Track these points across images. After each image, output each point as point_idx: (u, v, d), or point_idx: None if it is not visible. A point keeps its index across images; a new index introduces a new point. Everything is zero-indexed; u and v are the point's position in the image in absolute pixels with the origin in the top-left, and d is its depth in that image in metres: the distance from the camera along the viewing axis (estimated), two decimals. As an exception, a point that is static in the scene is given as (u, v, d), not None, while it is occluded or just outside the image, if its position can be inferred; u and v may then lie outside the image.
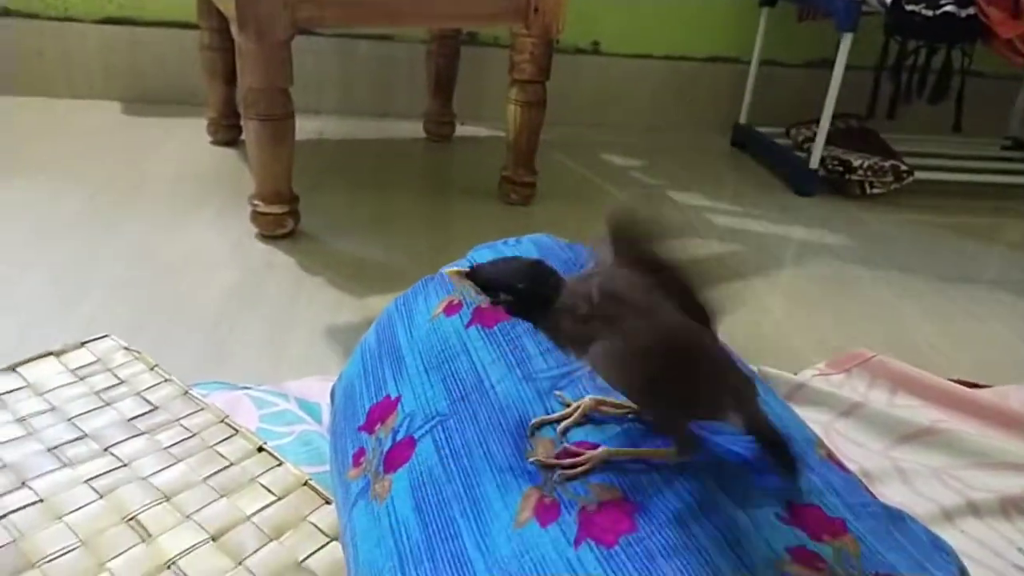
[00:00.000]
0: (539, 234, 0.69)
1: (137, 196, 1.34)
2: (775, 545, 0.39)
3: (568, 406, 0.48)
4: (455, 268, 0.46)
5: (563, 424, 0.47)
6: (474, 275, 0.45)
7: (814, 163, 1.64)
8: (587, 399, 0.48)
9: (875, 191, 1.64)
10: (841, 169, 1.64)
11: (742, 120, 1.94)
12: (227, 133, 1.61)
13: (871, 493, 0.48)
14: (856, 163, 1.63)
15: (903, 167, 1.64)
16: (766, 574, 0.38)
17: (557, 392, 0.50)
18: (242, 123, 1.35)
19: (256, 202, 1.19)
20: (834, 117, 1.62)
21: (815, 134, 1.63)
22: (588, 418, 0.47)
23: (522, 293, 0.44)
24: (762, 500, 0.42)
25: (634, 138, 1.96)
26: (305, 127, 1.60)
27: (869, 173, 1.63)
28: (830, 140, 1.65)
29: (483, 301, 0.46)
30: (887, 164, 1.64)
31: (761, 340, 1.06)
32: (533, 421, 0.48)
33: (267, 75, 1.10)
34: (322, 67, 1.86)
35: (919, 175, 1.65)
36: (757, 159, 1.88)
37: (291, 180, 1.19)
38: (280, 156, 1.16)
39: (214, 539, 0.57)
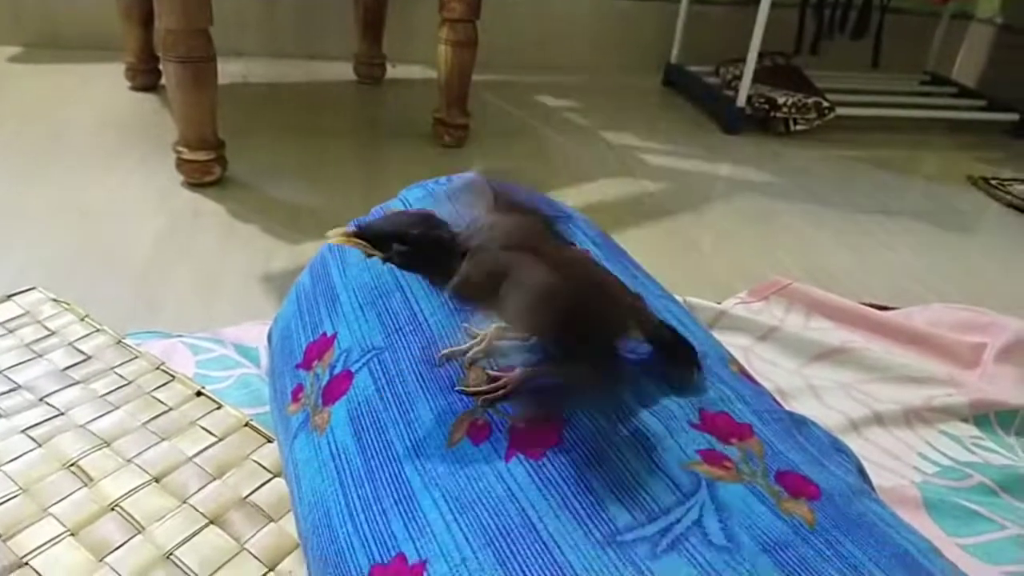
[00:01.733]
0: (470, 173, 0.71)
1: (56, 146, 1.29)
2: (687, 449, 0.43)
3: (475, 337, 0.51)
4: (338, 231, 0.43)
5: (469, 354, 0.49)
6: (362, 232, 0.43)
7: (741, 101, 1.67)
8: (492, 328, 0.50)
9: (799, 127, 1.70)
10: (767, 107, 1.68)
11: (673, 59, 1.96)
12: (146, 78, 1.55)
13: (778, 402, 0.52)
14: (781, 100, 1.67)
15: (825, 104, 1.70)
16: (678, 474, 0.41)
17: (465, 325, 0.52)
18: (161, 67, 1.30)
19: (180, 149, 1.16)
20: (761, 55, 1.65)
21: (742, 72, 1.66)
22: (494, 347, 0.49)
23: (417, 240, 0.42)
24: (676, 410, 0.45)
25: (567, 78, 1.96)
26: (228, 70, 1.56)
27: (793, 110, 1.68)
28: (757, 78, 1.69)
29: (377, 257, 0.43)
30: (810, 101, 1.69)
31: (689, 273, 1.10)
32: (440, 353, 0.50)
33: (185, 15, 1.06)
34: (243, 6, 1.80)
35: (841, 111, 1.71)
36: (687, 98, 1.91)
37: (216, 125, 1.17)
38: (203, 100, 1.13)
39: (157, 480, 0.58)
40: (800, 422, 0.49)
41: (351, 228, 0.43)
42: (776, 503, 0.41)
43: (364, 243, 0.43)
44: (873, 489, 0.50)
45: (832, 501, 0.42)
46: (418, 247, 0.42)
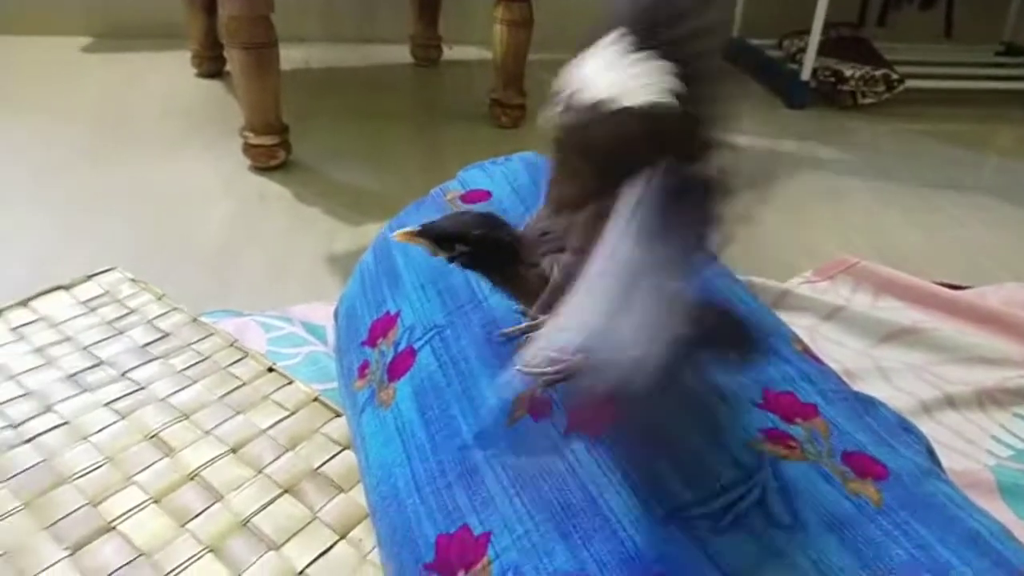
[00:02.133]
0: (527, 152, 0.71)
1: (127, 133, 1.34)
2: (749, 428, 0.43)
3: (533, 319, 0.51)
4: (405, 231, 0.44)
5: (527, 335, 0.50)
6: (426, 232, 0.44)
7: (806, 75, 1.63)
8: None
9: (867, 101, 1.64)
10: (833, 80, 1.63)
11: (734, 33, 1.91)
12: (212, 65, 1.60)
13: (843, 382, 0.51)
14: (848, 73, 1.62)
15: (894, 76, 1.63)
16: (741, 452, 0.41)
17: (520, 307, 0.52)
18: (225, 54, 1.34)
19: (247, 134, 1.20)
20: (826, 26, 1.60)
21: (807, 45, 1.61)
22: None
23: (479, 240, 0.43)
24: (739, 389, 0.45)
25: (624, 56, 1.93)
26: (290, 56, 1.58)
27: (861, 83, 1.62)
28: (822, 50, 1.63)
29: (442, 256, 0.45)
30: (878, 73, 1.63)
31: (753, 251, 1.08)
32: (501, 331, 0.51)
33: (247, 2, 1.08)
34: (304, -8, 1.83)
35: (911, 83, 1.65)
36: (749, 72, 1.86)
37: (280, 110, 1.20)
38: (267, 86, 1.15)
39: (234, 451, 0.61)
40: (867, 402, 0.49)
41: (416, 228, 0.44)
42: (842, 483, 0.41)
43: (428, 242, 0.44)
44: (943, 470, 0.49)
45: (900, 481, 0.42)
46: (480, 248, 0.43)
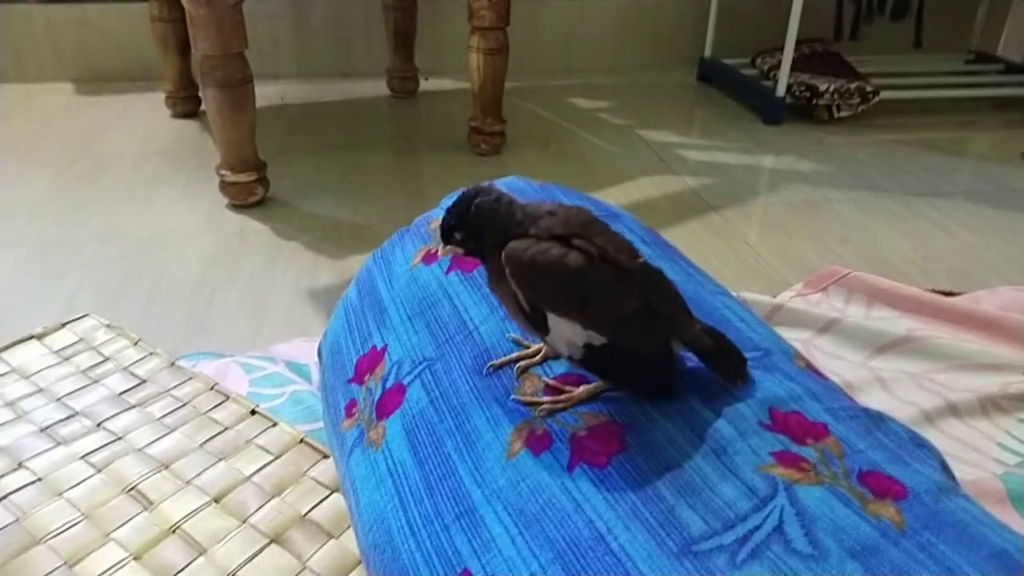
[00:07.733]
0: (510, 177, 0.70)
1: (102, 175, 1.31)
2: (759, 451, 0.41)
3: (527, 348, 0.49)
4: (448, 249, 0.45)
5: (520, 364, 0.48)
6: (444, 222, 0.44)
7: (780, 91, 1.63)
8: (546, 346, 0.48)
9: (842, 114, 1.65)
10: (808, 94, 1.64)
11: (707, 53, 1.93)
12: (186, 105, 1.58)
13: (850, 398, 0.49)
14: (822, 87, 1.63)
15: (869, 88, 1.65)
16: (752, 478, 0.39)
17: (512, 335, 0.50)
18: (200, 93, 1.32)
19: (223, 172, 1.18)
20: (798, 43, 1.61)
21: (780, 62, 1.62)
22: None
23: (491, 191, 0.43)
24: (745, 411, 0.43)
25: (601, 79, 1.94)
26: (265, 93, 1.58)
27: (836, 96, 1.63)
28: (795, 66, 1.64)
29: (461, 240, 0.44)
30: (853, 86, 1.64)
31: (740, 267, 1.07)
32: (490, 363, 0.49)
33: (221, 40, 1.07)
34: (277, 30, 1.82)
35: (885, 95, 1.66)
36: (724, 91, 1.87)
37: (256, 147, 1.18)
38: (242, 123, 1.14)
39: (216, 501, 0.58)
40: (877, 418, 0.47)
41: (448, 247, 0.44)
42: (861, 505, 0.39)
43: (448, 247, 0.44)
44: (959, 485, 0.47)
45: (920, 500, 0.40)
46: (481, 209, 0.43)
